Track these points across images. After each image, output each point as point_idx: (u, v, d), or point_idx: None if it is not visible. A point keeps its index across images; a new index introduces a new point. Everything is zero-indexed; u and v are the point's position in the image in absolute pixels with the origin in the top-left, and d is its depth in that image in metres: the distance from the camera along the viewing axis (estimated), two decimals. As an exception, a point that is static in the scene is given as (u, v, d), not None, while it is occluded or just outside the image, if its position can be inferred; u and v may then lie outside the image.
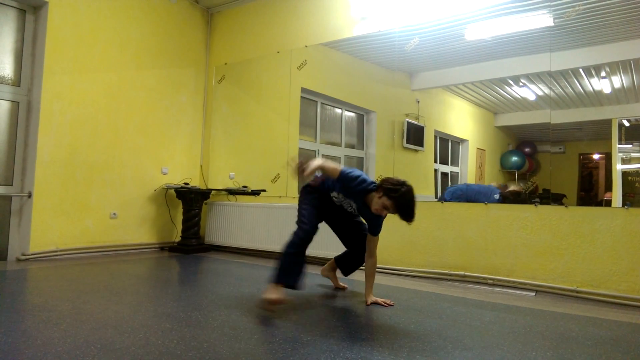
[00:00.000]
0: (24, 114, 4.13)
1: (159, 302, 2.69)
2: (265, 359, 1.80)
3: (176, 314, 2.39)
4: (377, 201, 2.46)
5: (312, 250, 4.28)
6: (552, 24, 3.54)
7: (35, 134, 4.07)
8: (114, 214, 4.68)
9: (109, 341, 1.92)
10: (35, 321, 2.20)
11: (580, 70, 3.78)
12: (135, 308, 2.52)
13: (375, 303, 2.79)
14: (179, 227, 5.17)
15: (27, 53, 4.16)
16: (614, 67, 3.68)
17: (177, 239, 5.20)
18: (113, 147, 4.66)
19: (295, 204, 4.56)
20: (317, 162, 2.49)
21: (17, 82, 4.12)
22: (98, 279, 3.33)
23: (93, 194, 4.49)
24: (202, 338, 2.01)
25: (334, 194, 2.79)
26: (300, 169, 2.45)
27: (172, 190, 5.12)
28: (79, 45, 4.35)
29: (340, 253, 3.24)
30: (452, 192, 4.23)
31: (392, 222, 4.00)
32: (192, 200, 4.98)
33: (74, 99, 4.32)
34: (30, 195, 4.03)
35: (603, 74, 3.79)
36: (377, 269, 4.06)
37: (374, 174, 4.83)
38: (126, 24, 4.78)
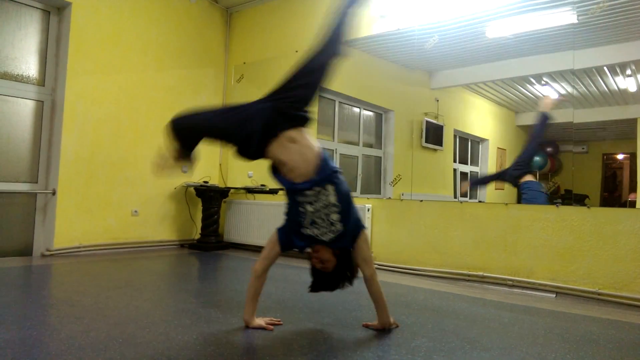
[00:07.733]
0: (48, 113, 4.23)
1: (178, 298, 2.74)
2: (283, 356, 1.82)
3: (195, 310, 2.42)
4: None
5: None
6: (576, 21, 3.47)
7: (59, 132, 4.16)
8: (135, 212, 4.76)
9: (131, 335, 1.96)
10: (59, 315, 2.25)
11: (605, 68, 3.71)
12: (155, 304, 2.57)
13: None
14: (199, 224, 5.23)
15: (51, 53, 4.26)
16: (640, 65, 3.60)
17: (197, 236, 5.26)
18: (134, 146, 4.74)
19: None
20: None
21: (41, 82, 4.22)
22: (120, 274, 3.39)
23: (115, 191, 4.57)
24: (220, 334, 2.04)
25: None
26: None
27: (192, 189, 5.19)
28: (101, 46, 4.44)
29: None
30: None
31: (409, 223, 3.98)
32: (211, 199, 5.04)
33: (96, 98, 4.40)
34: (54, 193, 4.12)
35: (628, 72, 3.70)
36: (395, 269, 4.06)
37: (392, 173, 4.81)
38: (147, 25, 4.85)
